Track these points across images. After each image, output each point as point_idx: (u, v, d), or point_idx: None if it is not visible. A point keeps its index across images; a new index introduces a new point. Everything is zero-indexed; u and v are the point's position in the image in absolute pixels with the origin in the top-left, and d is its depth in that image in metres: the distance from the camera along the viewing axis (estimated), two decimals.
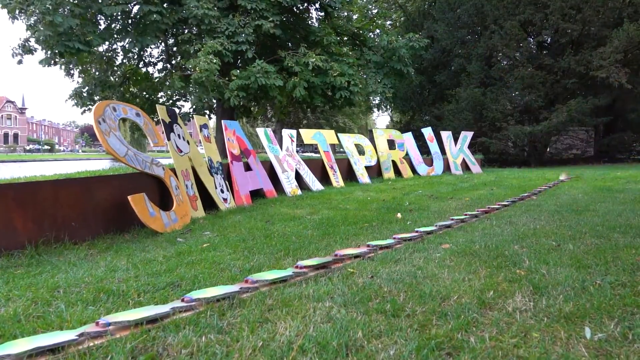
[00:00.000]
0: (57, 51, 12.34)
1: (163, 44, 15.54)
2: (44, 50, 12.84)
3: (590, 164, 14.42)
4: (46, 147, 77.00)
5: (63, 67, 14.94)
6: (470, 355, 1.71)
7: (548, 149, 22.54)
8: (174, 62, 15.85)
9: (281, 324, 2.02)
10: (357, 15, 21.67)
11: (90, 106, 15.19)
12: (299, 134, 9.77)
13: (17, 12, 12.06)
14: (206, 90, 12.48)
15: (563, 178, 7.25)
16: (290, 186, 7.73)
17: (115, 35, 14.18)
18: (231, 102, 12.50)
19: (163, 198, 5.14)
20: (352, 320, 2.04)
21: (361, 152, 10.72)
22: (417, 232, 4.02)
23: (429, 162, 12.49)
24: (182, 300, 2.27)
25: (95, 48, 13.25)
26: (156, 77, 16.81)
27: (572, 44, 19.44)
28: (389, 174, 11.04)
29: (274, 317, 2.11)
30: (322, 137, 9.67)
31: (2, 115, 72.43)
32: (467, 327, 1.98)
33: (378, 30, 20.70)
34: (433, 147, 12.77)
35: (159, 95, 16.90)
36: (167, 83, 15.31)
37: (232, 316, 2.14)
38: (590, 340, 1.83)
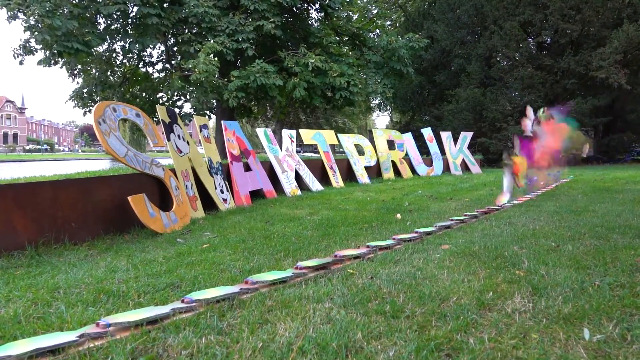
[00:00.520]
0: (55, 51, 12.34)
1: (163, 44, 15.54)
2: (43, 50, 12.86)
3: (589, 164, 14.45)
4: (48, 147, 77.02)
5: (65, 67, 14.95)
6: (470, 357, 1.72)
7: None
8: (173, 62, 15.85)
9: (281, 325, 2.02)
10: (357, 15, 21.69)
11: (90, 107, 15.20)
12: (298, 134, 9.78)
13: (16, 11, 12.06)
14: (205, 91, 12.50)
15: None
16: (290, 187, 7.73)
17: (115, 36, 14.18)
18: (230, 103, 12.51)
19: (163, 198, 5.14)
20: (351, 322, 2.05)
21: (361, 152, 10.73)
22: (416, 232, 4.02)
23: (429, 163, 12.50)
24: (182, 301, 2.28)
25: (94, 48, 13.25)
26: (156, 78, 16.82)
27: (571, 44, 19.46)
28: (388, 174, 11.05)
29: (274, 318, 2.12)
30: (321, 138, 9.68)
31: (1, 115, 72.41)
32: (467, 328, 1.98)
33: (378, 31, 20.73)
34: (433, 147, 12.78)
35: (159, 96, 16.91)
36: (167, 83, 15.31)
37: (232, 317, 2.15)
38: (589, 342, 1.84)
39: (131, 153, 4.74)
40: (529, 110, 7.15)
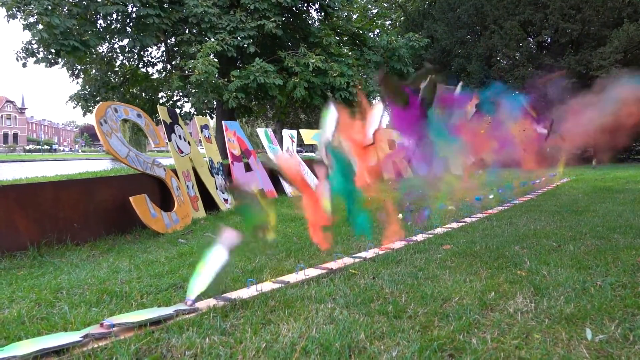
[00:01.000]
0: (53, 50, 12.35)
1: (163, 44, 15.55)
2: (41, 48, 12.86)
3: (590, 164, 14.46)
4: (54, 146, 77.02)
5: (66, 67, 14.95)
6: (472, 357, 1.73)
7: (548, 149, 22.53)
8: (174, 62, 15.86)
9: (284, 326, 2.03)
10: (357, 15, 21.68)
11: (91, 107, 15.21)
12: (299, 134, 9.78)
13: (15, 10, 12.06)
14: (205, 91, 12.50)
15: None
16: (291, 187, 7.74)
17: (115, 36, 14.18)
18: (229, 104, 12.52)
19: (164, 199, 5.15)
20: (354, 322, 2.05)
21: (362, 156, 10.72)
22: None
23: (431, 163, 12.49)
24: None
25: (92, 48, 13.25)
26: (156, 78, 16.82)
27: (572, 43, 19.46)
28: (389, 174, 11.05)
29: (277, 319, 2.13)
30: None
31: (1, 115, 72.41)
32: (469, 328, 1.99)
33: (378, 30, 20.72)
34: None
35: (160, 96, 16.91)
36: (167, 83, 15.32)
37: (235, 318, 2.16)
38: (591, 342, 1.84)
39: (132, 153, 4.75)
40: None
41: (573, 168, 11.47)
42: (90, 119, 20.79)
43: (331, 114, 3.27)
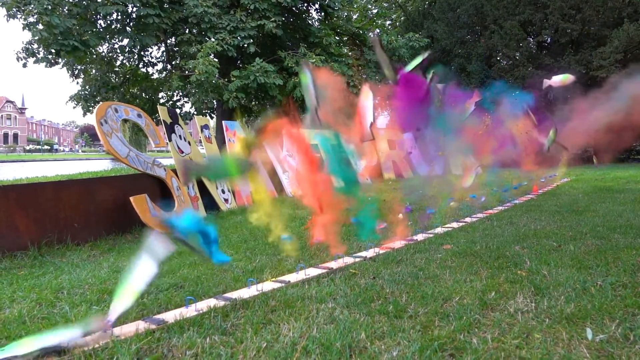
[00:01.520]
0: (53, 50, 12.35)
1: (163, 44, 15.56)
2: (41, 48, 12.87)
3: (590, 164, 14.46)
4: (55, 147, 76.97)
5: (66, 67, 14.96)
6: (473, 357, 1.73)
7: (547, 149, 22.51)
8: (174, 62, 15.86)
9: (284, 325, 2.03)
10: (357, 15, 21.68)
11: (91, 107, 15.21)
12: None
13: (15, 9, 12.07)
14: (205, 91, 12.51)
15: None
16: (291, 186, 7.74)
17: (115, 36, 14.19)
18: (230, 104, 12.52)
19: (164, 199, 5.15)
20: (355, 322, 2.05)
21: (361, 152, 10.72)
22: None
23: (430, 163, 12.50)
24: None
25: (92, 48, 13.26)
26: (156, 78, 16.83)
27: (572, 43, 19.45)
28: (389, 174, 11.05)
29: (277, 319, 2.13)
30: (322, 137, 9.67)
31: (1, 115, 72.40)
32: (470, 328, 1.99)
33: (378, 30, 20.72)
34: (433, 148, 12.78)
35: (160, 96, 16.92)
36: (168, 83, 15.33)
37: (235, 317, 2.16)
38: (592, 341, 1.84)
39: (133, 153, 4.75)
40: None
41: (573, 168, 11.46)
42: (91, 119, 20.78)
43: (308, 79, 3.18)
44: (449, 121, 4.52)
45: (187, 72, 13.08)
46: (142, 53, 15.67)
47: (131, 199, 4.34)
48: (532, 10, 19.12)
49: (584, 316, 2.08)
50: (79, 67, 15.52)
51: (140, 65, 16.42)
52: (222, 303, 2.33)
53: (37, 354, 1.75)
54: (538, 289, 2.45)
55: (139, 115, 5.20)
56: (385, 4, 25.39)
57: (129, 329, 2.01)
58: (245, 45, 12.81)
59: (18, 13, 12.16)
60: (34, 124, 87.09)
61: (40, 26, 11.80)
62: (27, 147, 70.83)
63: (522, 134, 5.87)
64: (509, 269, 2.87)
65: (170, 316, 2.17)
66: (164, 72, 16.63)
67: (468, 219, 4.83)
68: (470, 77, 20.80)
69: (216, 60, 12.10)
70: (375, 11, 23.43)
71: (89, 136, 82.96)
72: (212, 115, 16.84)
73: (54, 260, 3.52)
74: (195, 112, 15.24)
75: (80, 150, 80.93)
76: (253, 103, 16.73)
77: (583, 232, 3.98)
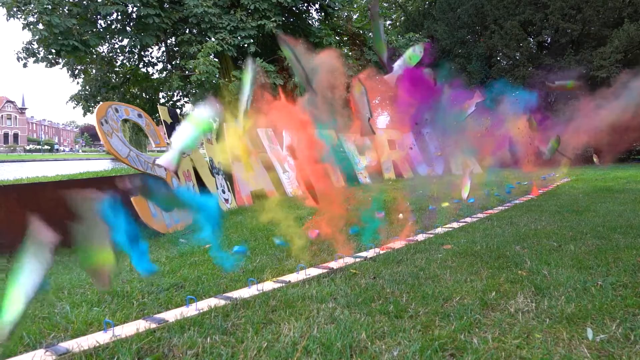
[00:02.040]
0: (53, 50, 12.37)
1: (163, 44, 15.56)
2: (41, 48, 12.88)
3: (590, 164, 14.47)
4: (55, 147, 76.95)
5: (66, 68, 14.97)
6: (474, 357, 1.73)
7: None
8: (174, 62, 15.87)
9: (285, 325, 2.03)
10: (357, 15, 21.69)
11: (91, 107, 15.22)
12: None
13: (14, 9, 12.07)
14: (206, 91, 12.52)
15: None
16: (291, 186, 7.74)
17: (115, 36, 14.20)
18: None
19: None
20: (355, 321, 2.05)
21: (362, 152, 10.74)
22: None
23: (430, 162, 12.50)
24: None
25: (92, 48, 13.27)
26: (156, 78, 16.83)
27: (572, 43, 19.45)
28: (389, 174, 11.06)
29: (278, 318, 2.13)
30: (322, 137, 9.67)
31: (2, 115, 72.41)
32: (470, 328, 1.99)
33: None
34: (433, 147, 12.78)
35: (160, 96, 16.93)
36: (168, 84, 15.34)
37: (236, 317, 2.16)
38: (592, 341, 1.84)
39: (133, 153, 4.75)
40: None
41: (573, 168, 11.46)
42: (91, 119, 20.78)
43: (289, 51, 3.10)
44: (449, 119, 4.52)
45: (187, 72, 13.08)
46: (142, 53, 15.68)
47: (132, 198, 4.34)
48: (533, 10, 19.13)
49: (585, 316, 2.08)
50: (79, 67, 15.53)
51: (141, 65, 16.42)
52: (222, 303, 2.33)
53: None
54: (538, 289, 2.45)
55: (140, 115, 5.20)
56: (385, 4, 25.40)
57: (129, 329, 2.02)
58: (246, 45, 12.82)
59: (18, 13, 12.17)
60: (34, 124, 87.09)
61: (41, 26, 11.81)
62: (28, 147, 70.84)
63: (523, 137, 5.87)
64: (509, 269, 2.87)
65: (170, 315, 2.17)
66: (164, 72, 16.64)
67: (468, 219, 4.83)
68: (470, 77, 20.80)
69: (216, 60, 12.11)
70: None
71: (89, 136, 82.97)
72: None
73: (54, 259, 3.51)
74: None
75: (80, 150, 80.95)
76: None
77: (583, 232, 3.98)
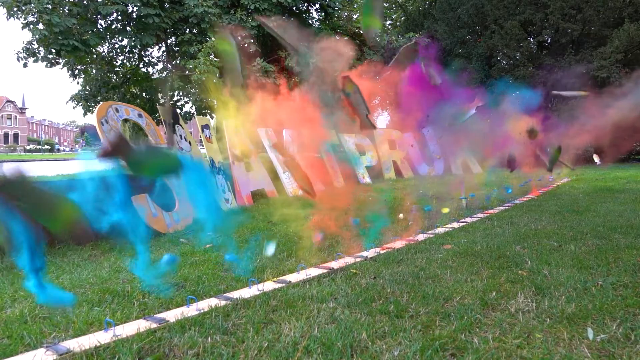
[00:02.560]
0: (53, 50, 12.38)
1: (163, 44, 15.57)
2: (41, 48, 12.89)
3: (590, 164, 14.47)
4: (57, 147, 76.88)
5: (66, 67, 14.98)
6: (474, 356, 1.73)
7: (547, 149, 22.51)
8: (174, 62, 15.88)
9: (286, 325, 2.03)
10: (357, 15, 21.68)
11: (92, 107, 15.23)
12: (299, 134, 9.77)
13: (14, 9, 12.08)
14: (207, 90, 12.53)
15: None
16: (291, 186, 7.74)
17: (116, 36, 14.21)
18: None
19: (165, 198, 5.15)
20: (356, 321, 2.05)
21: (362, 152, 10.74)
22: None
23: (430, 162, 12.50)
24: None
25: (93, 48, 13.28)
26: (156, 78, 16.84)
27: (572, 43, 19.44)
28: (389, 174, 11.06)
29: (279, 318, 2.13)
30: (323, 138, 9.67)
31: (2, 115, 72.41)
32: (471, 328, 1.99)
33: (378, 30, 20.72)
34: (434, 146, 12.78)
35: (160, 96, 16.93)
36: (168, 83, 15.35)
37: (236, 317, 2.16)
38: (593, 341, 1.85)
39: None
40: None
41: (574, 168, 11.45)
42: (91, 119, 20.74)
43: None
44: (452, 118, 4.52)
45: (187, 72, 13.09)
46: (142, 53, 15.68)
47: (132, 198, 4.34)
48: (533, 10, 19.12)
49: (585, 316, 2.08)
50: (79, 67, 15.54)
51: (141, 65, 16.42)
52: (223, 302, 2.33)
53: None
54: (539, 289, 2.45)
55: (140, 115, 5.20)
56: (385, 4, 25.39)
57: (130, 328, 2.02)
58: (246, 44, 12.83)
59: (18, 12, 12.18)
60: (35, 124, 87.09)
61: (41, 25, 11.82)
62: (28, 147, 70.83)
63: (525, 143, 5.86)
64: (509, 268, 2.87)
65: (171, 315, 2.17)
66: (164, 72, 16.64)
67: (468, 219, 4.83)
68: (470, 77, 20.78)
69: (217, 59, 12.11)
70: None
71: (90, 136, 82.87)
72: (213, 114, 16.84)
73: (54, 259, 3.52)
74: (195, 112, 15.25)
75: (80, 150, 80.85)
76: None
77: (584, 232, 3.98)
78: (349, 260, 3.18)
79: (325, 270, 2.92)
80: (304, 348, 1.80)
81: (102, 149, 2.18)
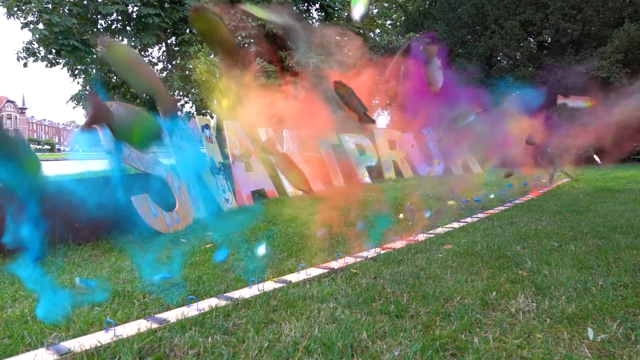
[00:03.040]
0: (54, 49, 12.39)
1: (164, 44, 15.58)
2: (41, 48, 12.90)
3: (590, 164, 14.48)
4: (58, 147, 76.88)
5: (66, 67, 14.99)
6: (475, 356, 1.73)
7: (549, 149, 22.51)
8: (174, 62, 15.88)
9: (286, 325, 2.04)
10: None
11: None
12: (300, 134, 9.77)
13: (14, 9, 12.09)
14: (207, 90, 12.53)
15: None
16: (291, 186, 7.73)
17: (116, 36, 14.21)
18: None
19: (165, 198, 5.15)
20: (356, 321, 2.06)
21: (362, 152, 10.74)
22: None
23: (430, 163, 12.50)
24: None
25: (92, 48, 13.28)
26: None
27: (572, 43, 19.44)
28: (389, 174, 11.06)
29: (279, 318, 2.13)
30: (323, 137, 9.67)
31: (2, 115, 72.38)
32: (471, 328, 1.99)
33: (378, 30, 20.74)
34: (433, 149, 12.78)
35: None
36: (168, 83, 15.35)
37: (237, 317, 2.16)
38: (593, 341, 1.85)
39: (134, 153, 4.75)
40: None
41: (574, 168, 11.45)
42: None
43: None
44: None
45: (187, 71, 13.09)
46: (142, 53, 15.67)
47: (132, 198, 4.34)
48: (533, 10, 19.12)
49: (585, 316, 2.08)
50: (79, 67, 15.54)
51: None
52: (223, 302, 2.34)
53: None
54: (539, 289, 2.45)
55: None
56: (385, 4, 25.39)
57: (131, 328, 2.02)
58: (246, 44, 12.83)
59: (18, 12, 12.19)
60: (35, 124, 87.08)
61: (41, 25, 11.83)
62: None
63: (528, 146, 5.88)
64: (510, 268, 2.87)
65: (172, 315, 2.17)
66: (165, 72, 16.64)
67: (469, 219, 4.83)
68: (470, 77, 20.77)
69: (217, 59, 12.11)
70: (375, 11, 23.45)
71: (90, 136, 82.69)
72: (213, 114, 16.85)
73: (55, 259, 3.52)
74: (195, 112, 15.25)
75: (80, 150, 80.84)
76: None
77: (584, 232, 3.98)
78: (349, 260, 3.18)
79: (325, 270, 2.92)
80: (304, 348, 1.80)
81: (87, 119, 2.17)
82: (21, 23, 12.07)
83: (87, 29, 12.66)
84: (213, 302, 2.35)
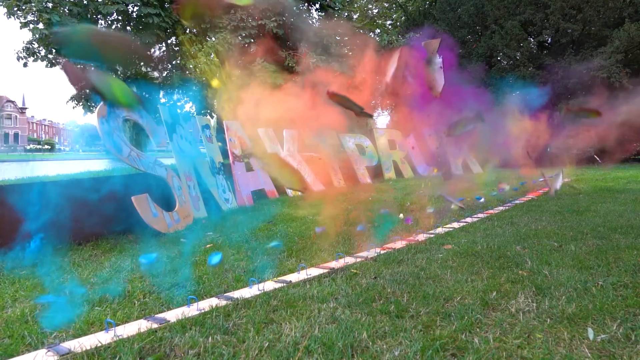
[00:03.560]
0: (53, 49, 12.39)
1: (164, 43, 15.57)
2: (41, 48, 12.89)
3: (590, 164, 14.47)
4: (58, 147, 76.79)
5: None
6: (475, 356, 1.73)
7: (549, 149, 22.51)
8: (174, 62, 15.87)
9: (286, 325, 2.04)
10: (357, 14, 21.70)
11: (92, 107, 15.23)
12: (300, 134, 9.77)
13: (14, 8, 12.09)
14: (207, 90, 12.53)
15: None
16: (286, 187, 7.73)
17: None
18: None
19: (165, 198, 5.15)
20: (356, 321, 2.06)
21: (362, 152, 10.74)
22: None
23: (430, 162, 12.49)
24: None
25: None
26: (157, 77, 16.85)
27: (572, 43, 19.44)
28: (389, 174, 11.06)
29: (279, 318, 2.13)
30: (323, 137, 9.67)
31: (2, 115, 72.35)
32: (471, 328, 1.99)
33: (378, 30, 20.75)
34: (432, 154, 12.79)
35: (160, 95, 16.94)
36: (168, 83, 15.35)
37: (237, 317, 2.16)
38: (593, 341, 1.85)
39: (134, 153, 4.75)
40: None
41: (574, 168, 11.45)
42: (92, 119, 20.77)
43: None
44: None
45: (188, 72, 13.09)
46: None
47: (132, 198, 4.34)
48: (533, 10, 19.13)
49: (586, 316, 2.08)
50: (79, 66, 15.53)
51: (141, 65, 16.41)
52: (223, 302, 2.34)
53: None
54: (539, 289, 2.45)
55: (141, 115, 5.20)
56: (385, 4, 25.39)
57: (131, 328, 2.02)
58: (246, 44, 12.84)
59: (18, 12, 12.20)
60: (35, 124, 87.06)
61: (41, 25, 11.83)
62: (28, 147, 70.81)
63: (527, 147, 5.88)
64: (510, 269, 2.87)
65: (172, 315, 2.18)
66: (165, 72, 16.64)
67: (469, 219, 4.83)
68: (470, 77, 20.76)
69: (217, 59, 12.11)
70: (375, 11, 23.45)
71: (90, 136, 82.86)
72: (213, 114, 16.84)
73: (55, 259, 3.52)
74: (195, 112, 15.24)
75: (80, 150, 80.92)
76: None
77: (584, 232, 3.98)
78: (350, 260, 3.18)
79: (325, 271, 2.92)
80: (304, 348, 1.80)
81: (75, 88, 2.23)
82: (21, 23, 12.07)
83: None
84: (213, 302, 2.35)
